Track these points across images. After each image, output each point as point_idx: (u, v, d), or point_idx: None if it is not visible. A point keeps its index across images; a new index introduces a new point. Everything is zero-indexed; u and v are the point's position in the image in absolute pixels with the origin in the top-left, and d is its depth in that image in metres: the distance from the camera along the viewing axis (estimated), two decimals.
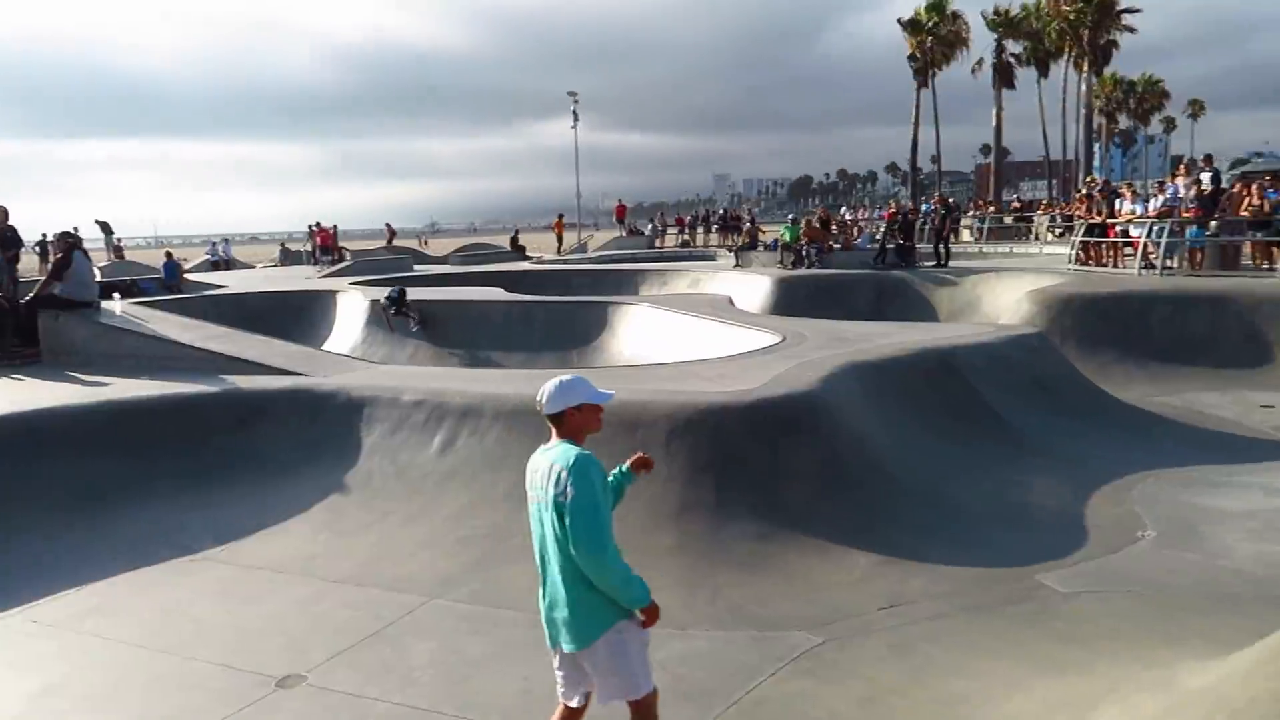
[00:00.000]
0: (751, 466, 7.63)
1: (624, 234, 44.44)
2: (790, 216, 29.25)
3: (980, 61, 56.09)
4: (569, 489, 3.63)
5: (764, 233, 33.01)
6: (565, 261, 35.39)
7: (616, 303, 18.62)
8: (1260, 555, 6.95)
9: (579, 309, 18.81)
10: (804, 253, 25.16)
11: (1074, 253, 21.13)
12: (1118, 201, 21.20)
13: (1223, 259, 18.32)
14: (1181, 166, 23.21)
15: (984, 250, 29.57)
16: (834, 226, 29.82)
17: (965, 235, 34.00)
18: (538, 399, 3.85)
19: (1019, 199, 49.37)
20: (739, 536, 7.13)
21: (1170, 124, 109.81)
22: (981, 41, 56.00)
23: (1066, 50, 53.31)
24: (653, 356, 14.33)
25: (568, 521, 3.62)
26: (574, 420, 3.84)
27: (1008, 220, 36.65)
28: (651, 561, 7.02)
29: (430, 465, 8.58)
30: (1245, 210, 17.74)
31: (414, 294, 19.62)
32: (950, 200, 37.23)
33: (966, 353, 11.11)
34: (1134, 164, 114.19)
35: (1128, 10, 52.95)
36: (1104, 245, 20.57)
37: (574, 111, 50.90)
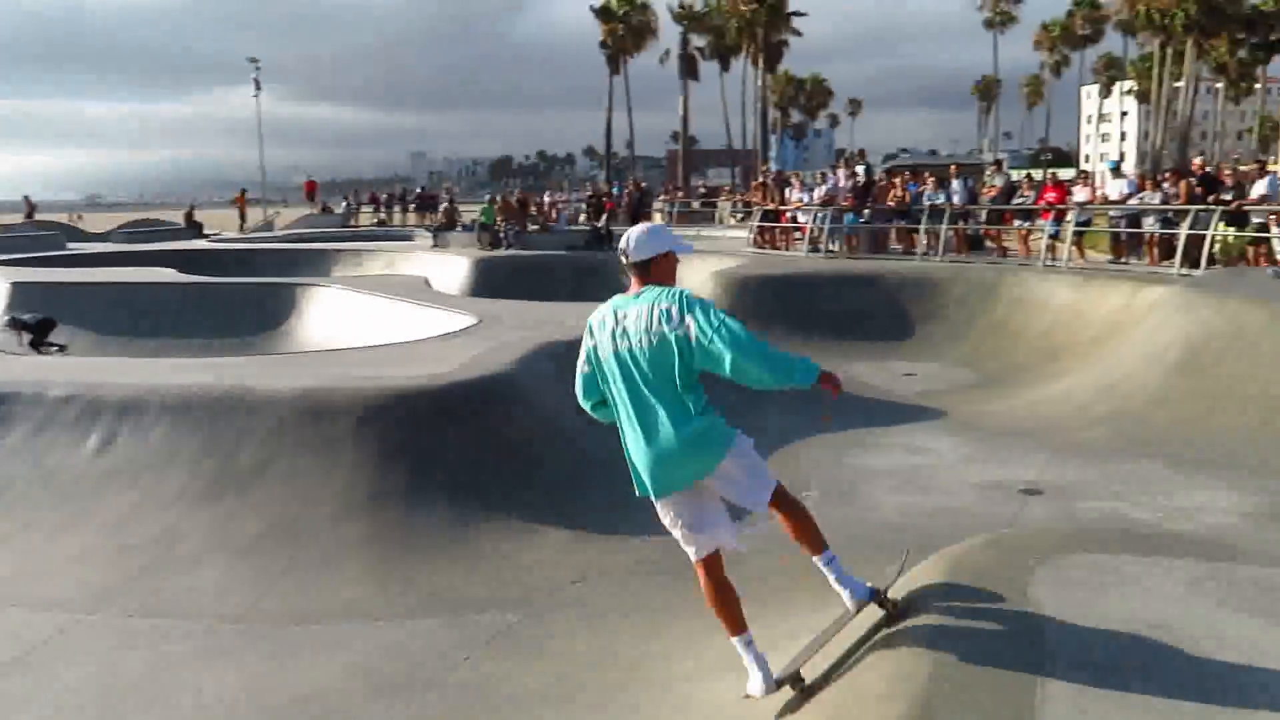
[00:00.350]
0: (446, 451, 7.54)
1: (315, 212, 42.23)
2: (487, 196, 29.08)
3: (668, 52, 58.89)
4: (688, 319, 3.61)
5: (462, 213, 32.64)
6: (249, 240, 33.04)
7: (305, 284, 17.69)
8: (900, 505, 7.88)
9: (264, 291, 17.67)
10: (502, 234, 25.17)
11: (752, 236, 22.75)
12: (788, 190, 23.08)
13: (874, 243, 20.50)
14: (841, 160, 25.60)
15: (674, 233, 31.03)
16: (532, 208, 30.07)
17: (657, 218, 35.55)
18: (623, 247, 3.80)
19: (705, 185, 52.41)
20: (434, 522, 7.04)
21: (834, 120, 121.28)
22: (670, 33, 58.77)
23: (745, 47, 57.19)
24: (344, 341, 13.75)
25: (710, 347, 3.54)
26: (660, 268, 3.84)
27: (695, 205, 38.77)
28: (341, 554, 6.77)
29: (84, 467, 7.71)
30: (891, 200, 19.96)
31: (63, 274, 17.47)
32: (643, 185, 38.77)
33: None
34: (806, 155, 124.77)
35: (796, 13, 57.71)
36: (777, 230, 22.33)
37: (256, 80, 47.53)
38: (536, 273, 22.19)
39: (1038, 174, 34.03)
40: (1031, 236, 18.16)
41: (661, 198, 40.31)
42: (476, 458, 7.65)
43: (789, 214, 21.94)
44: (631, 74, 58.86)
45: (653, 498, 3.81)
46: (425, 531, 6.97)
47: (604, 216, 25.85)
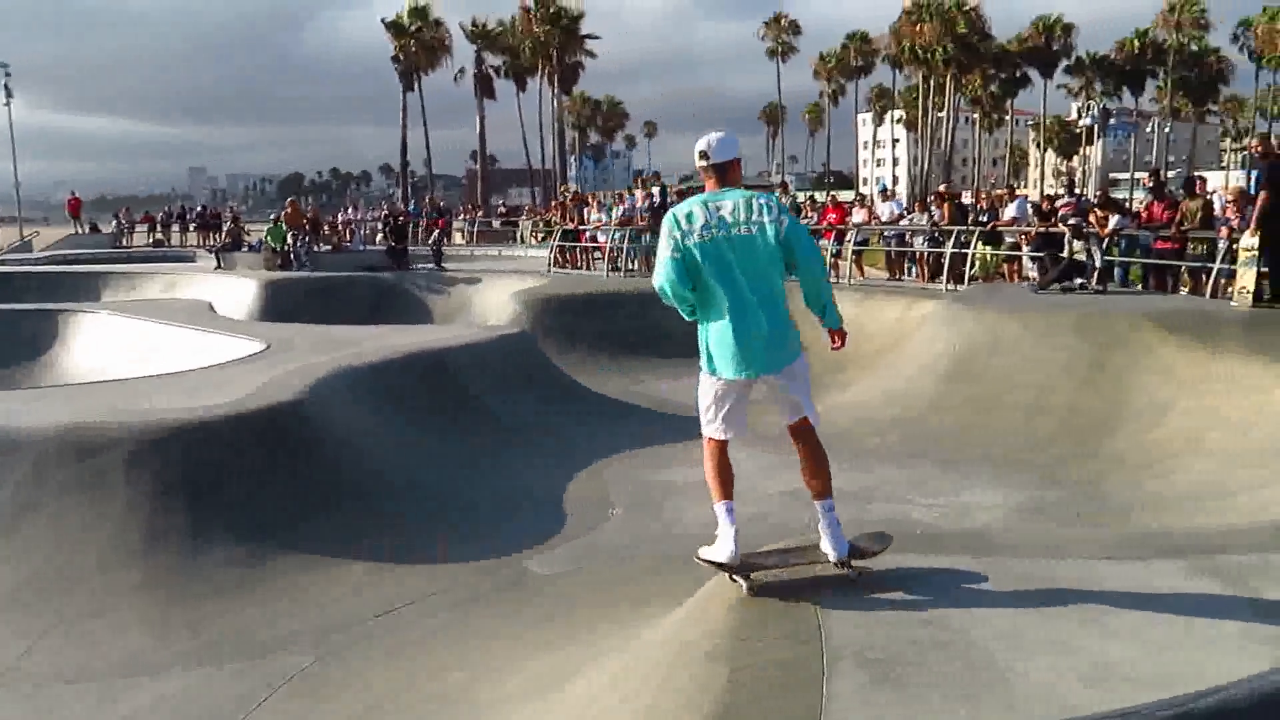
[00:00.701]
0: (231, 485, 7.10)
1: (81, 231, 38.86)
2: (273, 215, 27.69)
3: (462, 70, 58.29)
4: (783, 218, 4.01)
5: (249, 233, 30.97)
6: (2, 262, 30.00)
7: (70, 310, 16.26)
8: (702, 518, 8.05)
9: (20, 318, 16.10)
10: (291, 254, 24.02)
11: (552, 256, 22.85)
12: (587, 210, 23.35)
13: None
14: (638, 180, 26.13)
15: (475, 253, 30.75)
16: (324, 227, 28.97)
17: (457, 238, 35.08)
18: (702, 149, 4.12)
19: (505, 205, 52.24)
20: (220, 562, 6.61)
21: (631, 141, 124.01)
22: (464, 50, 58.21)
23: (540, 67, 57.50)
24: (117, 371, 12.71)
25: (797, 245, 4.01)
26: (734, 171, 4.20)
27: (496, 224, 38.54)
28: (115, 602, 6.23)
29: None
30: None
31: None
32: (441, 204, 38.19)
33: (458, 353, 11.46)
34: (605, 175, 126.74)
35: (590, 36, 58.70)
36: (577, 249, 22.53)
37: (6, 86, 43.36)
38: (331, 294, 21.32)
39: (820, 196, 36.08)
40: None
41: (461, 216, 39.83)
42: (266, 491, 7.25)
43: (588, 234, 22.18)
44: (427, 91, 57.98)
45: (740, 376, 4.12)
46: (211, 572, 6.52)
47: (400, 235, 25.20)
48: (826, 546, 4.09)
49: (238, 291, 20.94)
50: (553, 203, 32.33)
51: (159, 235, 38.16)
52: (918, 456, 9.75)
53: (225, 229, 30.23)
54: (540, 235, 30.29)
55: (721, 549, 4.26)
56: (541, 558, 7.16)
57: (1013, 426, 10.06)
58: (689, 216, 4.03)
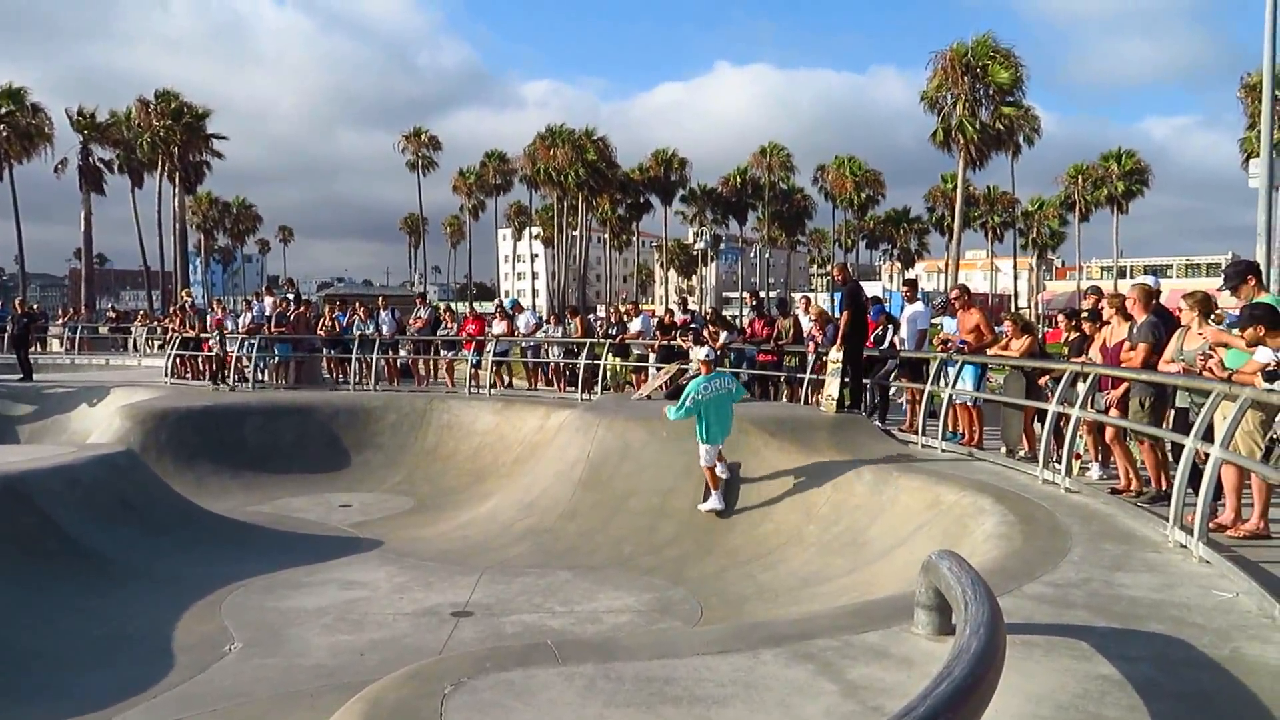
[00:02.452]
0: None
1: None
2: None
3: (64, 161, 52.64)
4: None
5: None
6: None
7: None
8: (333, 646, 7.61)
9: None
10: None
11: (170, 365, 20.94)
12: (210, 316, 21.74)
13: (309, 373, 20.11)
14: (267, 286, 24.90)
15: (76, 362, 27.36)
16: None
17: (55, 345, 31.07)
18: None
19: (115, 308, 47.15)
20: None
21: (265, 245, 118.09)
22: (67, 140, 52.64)
23: (160, 164, 53.44)
24: None
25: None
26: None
27: (104, 330, 34.65)
28: None
29: None
30: (322, 330, 19.84)
31: None
32: (35, 306, 33.70)
33: (43, 478, 10.01)
34: (235, 280, 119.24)
35: (216, 135, 55.68)
36: (199, 359, 20.83)
37: None
38: None
39: (461, 306, 36.55)
40: (456, 365, 19.29)
41: (61, 321, 35.44)
42: None
43: (211, 342, 20.63)
44: (20, 180, 51.45)
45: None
46: None
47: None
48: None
49: None
50: (171, 308, 29.77)
51: None
52: (553, 565, 9.94)
53: None
54: (157, 343, 27.72)
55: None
56: (141, 709, 6.31)
57: (640, 529, 10.61)
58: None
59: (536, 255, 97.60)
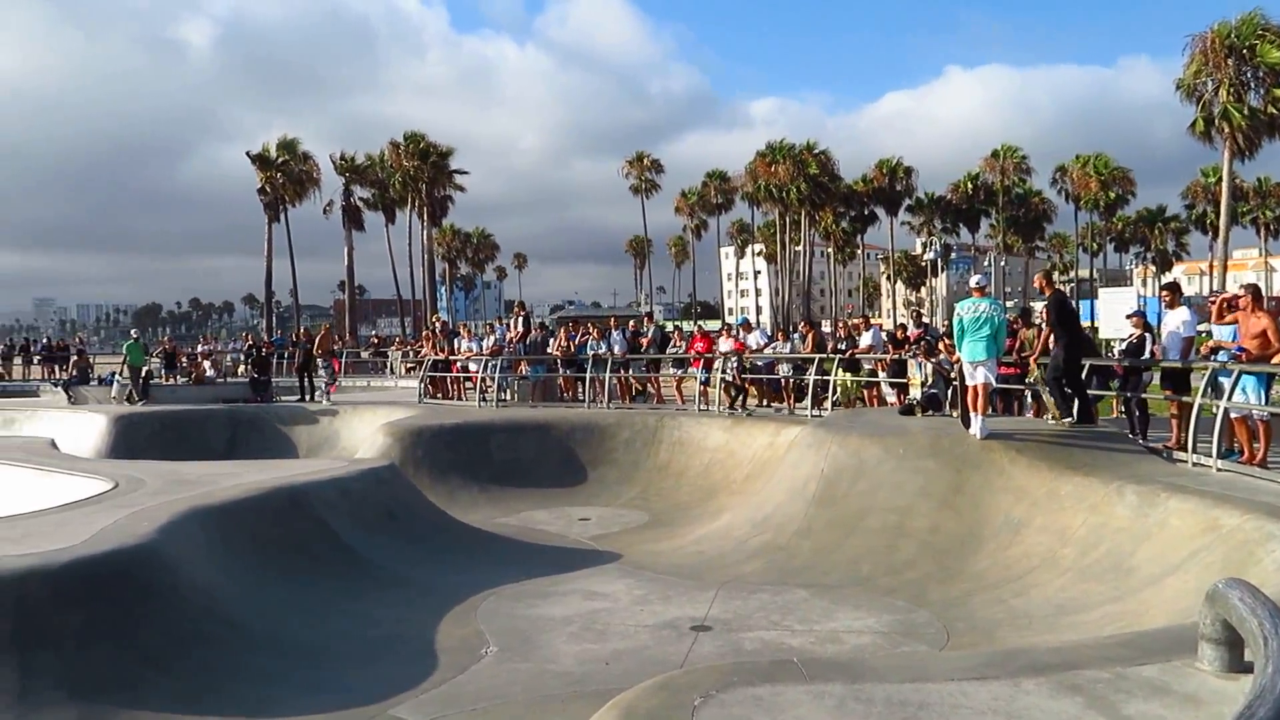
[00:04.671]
0: (68, 639, 6.51)
1: None
2: (133, 333, 26.36)
3: (331, 203, 58.14)
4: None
5: (94, 366, 29.51)
6: None
7: None
8: (579, 654, 7.89)
9: None
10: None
11: (423, 386, 22.56)
12: (458, 340, 23.28)
13: (545, 391, 21.09)
14: (514, 310, 26.26)
15: (342, 384, 30.03)
16: (182, 359, 27.90)
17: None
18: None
19: (375, 335, 51.51)
20: None
21: (502, 272, 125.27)
22: (332, 183, 58.19)
23: (410, 200, 57.96)
24: None
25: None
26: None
27: (365, 355, 37.89)
28: None
29: None
30: (557, 350, 20.75)
31: None
32: (312, 334, 37.31)
33: (319, 489, 11.03)
34: (476, 305, 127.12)
35: (459, 171, 59.78)
36: (448, 379, 22.33)
37: None
38: (187, 429, 20.38)
39: (687, 325, 37.15)
40: (684, 383, 19.58)
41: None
42: (104, 645, 6.67)
43: (459, 364, 22.07)
44: (294, 221, 57.35)
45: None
46: None
47: (264, 366, 24.43)
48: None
49: (84, 427, 19.77)
50: (423, 333, 32.09)
51: None
52: (788, 582, 9.84)
53: (72, 361, 28.71)
54: (410, 366, 29.94)
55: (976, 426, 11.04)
56: (410, 705, 6.79)
57: (877, 549, 10.31)
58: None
59: (759, 272, 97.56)
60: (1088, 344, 12.40)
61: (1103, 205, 65.82)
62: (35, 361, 35.20)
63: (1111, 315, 35.20)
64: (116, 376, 24.48)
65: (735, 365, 17.42)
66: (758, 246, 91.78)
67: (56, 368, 32.75)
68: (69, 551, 7.24)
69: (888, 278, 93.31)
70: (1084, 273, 76.64)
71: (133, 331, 27.29)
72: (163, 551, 7.74)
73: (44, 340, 40.44)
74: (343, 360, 31.88)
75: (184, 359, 28.76)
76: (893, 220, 73.89)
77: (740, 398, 17.50)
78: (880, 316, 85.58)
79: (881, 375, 16.91)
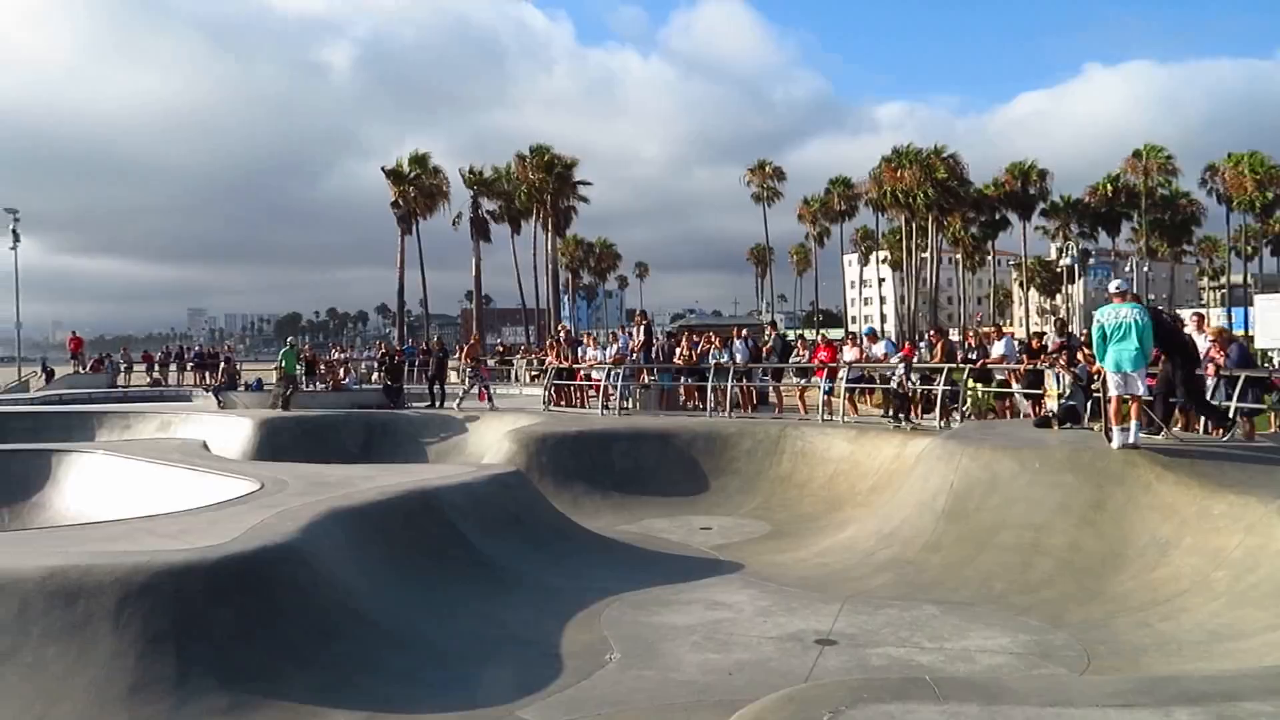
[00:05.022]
0: (219, 631, 6.90)
1: (80, 370, 39.01)
2: (290, 340, 27.70)
3: (459, 215, 59.99)
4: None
5: (240, 373, 31.25)
6: None
7: (62, 450, 16.14)
8: (702, 663, 7.87)
9: (10, 458, 15.96)
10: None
11: (547, 394, 22.97)
12: (581, 348, 23.62)
13: (667, 400, 21.18)
14: (637, 318, 26.51)
15: (470, 391, 30.85)
16: (320, 367, 29.21)
17: (452, 377, 35.31)
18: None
19: (501, 343, 52.80)
20: (203, 713, 6.35)
21: (624, 281, 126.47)
22: (461, 195, 60.06)
23: (535, 211, 59.29)
24: (107, 512, 12.54)
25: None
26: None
27: (491, 363, 38.84)
28: None
29: None
30: (679, 359, 20.82)
31: None
32: (443, 342, 38.57)
33: (448, 493, 11.35)
34: (597, 314, 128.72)
35: (582, 183, 60.84)
36: (572, 387, 22.68)
37: (14, 231, 44.31)
38: (325, 433, 21.33)
39: (810, 334, 36.70)
40: (808, 392, 19.32)
41: (456, 356, 40.16)
42: (252, 637, 7.05)
43: (582, 371, 22.38)
44: (424, 233, 59.48)
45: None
46: None
47: (396, 373, 25.35)
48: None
49: (233, 430, 20.93)
50: (548, 341, 32.70)
51: (156, 375, 38.33)
52: (917, 598, 9.57)
53: (220, 368, 30.45)
54: (535, 374, 30.53)
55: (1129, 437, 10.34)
56: (536, 708, 6.91)
57: (1011, 566, 9.92)
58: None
59: (884, 279, 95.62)
60: (1191, 355, 11.71)
61: (1258, 206, 61.88)
62: (188, 368, 37.47)
63: (1269, 324, 33.10)
64: (271, 383, 25.66)
65: (902, 373, 16.53)
66: (882, 253, 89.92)
67: (207, 374, 34.80)
68: (221, 548, 7.67)
69: (1020, 284, 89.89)
70: (1236, 278, 72.12)
71: (290, 339, 28.61)
72: (305, 550, 8.11)
73: (196, 348, 43.00)
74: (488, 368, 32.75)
75: (322, 366, 30.11)
76: (1025, 225, 71.25)
77: (904, 409, 16.45)
78: (1011, 325, 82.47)
79: (1015, 386, 16.30)
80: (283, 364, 24.30)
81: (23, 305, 44.75)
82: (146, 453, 15.52)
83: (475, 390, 23.94)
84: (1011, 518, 10.55)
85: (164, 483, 13.39)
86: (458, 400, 23.37)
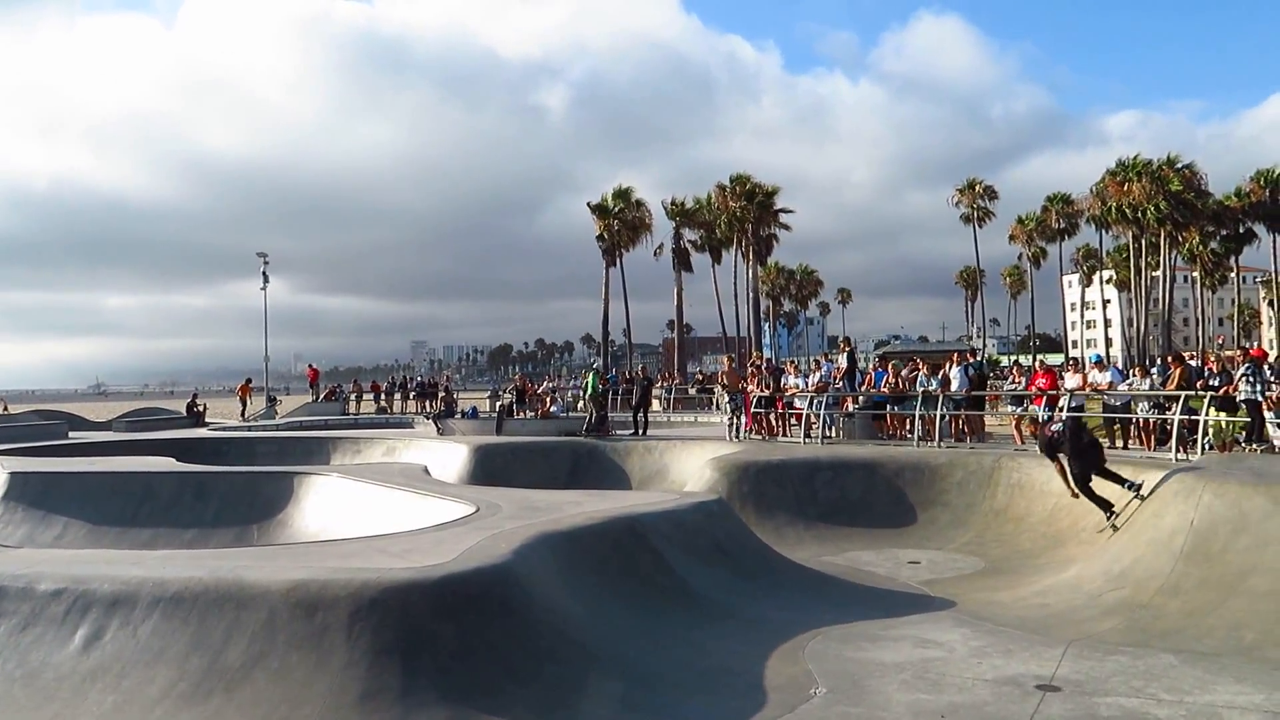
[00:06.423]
0: (441, 646, 7.29)
1: (317, 399, 42.67)
2: (593, 364, 29.11)
3: (661, 246, 61.19)
4: None
5: (458, 401, 33.15)
6: (249, 428, 33.23)
7: (302, 473, 17.62)
8: (912, 704, 7.56)
9: (260, 479, 17.59)
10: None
11: (733, 422, 22.88)
12: (784, 376, 23.43)
13: (869, 430, 20.63)
14: (841, 345, 26.06)
15: (672, 419, 31.30)
16: (531, 394, 30.51)
17: (655, 405, 35.96)
18: None
19: (701, 372, 53.29)
20: None
21: (825, 308, 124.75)
22: (663, 227, 61.30)
23: (735, 240, 59.57)
24: (340, 530, 13.57)
25: None
26: None
27: (692, 391, 39.26)
28: None
29: (69, 665, 7.42)
30: (886, 387, 20.24)
31: (62, 464, 17.44)
32: (647, 371, 39.44)
33: (653, 520, 11.51)
34: (798, 342, 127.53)
35: (783, 210, 60.59)
36: (774, 416, 22.51)
37: (264, 273, 49.10)
38: (534, 458, 22.21)
39: (1026, 360, 34.74)
40: (1024, 422, 18.29)
41: (659, 384, 40.89)
42: (472, 652, 7.40)
43: (785, 400, 22.18)
44: (628, 266, 61.11)
45: None
46: None
47: (601, 402, 26.05)
48: None
49: (450, 455, 22.17)
50: (749, 369, 32.71)
51: (383, 403, 41.32)
52: (1152, 645, 8.81)
53: (440, 396, 32.40)
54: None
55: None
56: None
57: (1266, 615, 8.97)
58: None
59: (1109, 301, 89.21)
60: None
61: None
62: (411, 397, 40.18)
63: None
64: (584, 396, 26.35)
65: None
66: (1107, 273, 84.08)
67: (428, 402, 37.18)
68: (443, 567, 8.12)
69: (1270, 303, 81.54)
70: None
71: (595, 362, 30.13)
72: (519, 572, 8.45)
73: (418, 378, 46.02)
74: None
75: (531, 393, 31.43)
76: (1275, 238, 64.66)
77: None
78: (1261, 347, 74.87)
79: (1269, 415, 14.78)
80: (588, 389, 25.22)
81: (270, 340, 49.41)
82: (375, 476, 16.66)
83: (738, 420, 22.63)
84: (1265, 561, 9.56)
85: (390, 504, 14.31)
86: (729, 431, 22.38)
